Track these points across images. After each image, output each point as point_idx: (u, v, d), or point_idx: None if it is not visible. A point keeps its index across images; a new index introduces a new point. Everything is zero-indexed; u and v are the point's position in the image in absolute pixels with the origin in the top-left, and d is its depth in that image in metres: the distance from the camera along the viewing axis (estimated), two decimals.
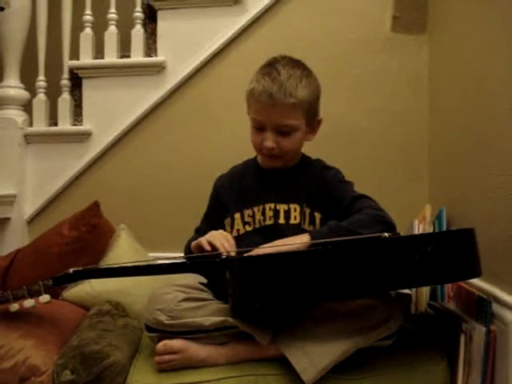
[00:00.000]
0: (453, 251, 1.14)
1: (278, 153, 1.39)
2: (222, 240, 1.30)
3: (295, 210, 1.40)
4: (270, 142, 1.37)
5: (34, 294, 1.34)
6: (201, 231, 1.49)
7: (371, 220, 1.26)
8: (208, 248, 1.29)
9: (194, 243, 1.37)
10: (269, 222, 1.41)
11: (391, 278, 1.12)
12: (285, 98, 1.33)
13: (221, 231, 1.36)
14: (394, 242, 1.17)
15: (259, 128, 1.39)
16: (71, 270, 1.34)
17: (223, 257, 1.26)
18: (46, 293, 1.34)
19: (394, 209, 1.36)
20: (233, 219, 1.46)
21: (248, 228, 1.44)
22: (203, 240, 1.32)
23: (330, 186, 1.41)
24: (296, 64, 1.41)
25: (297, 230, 1.36)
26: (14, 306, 1.34)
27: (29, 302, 1.34)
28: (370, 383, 1.23)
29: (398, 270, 1.11)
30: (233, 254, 1.28)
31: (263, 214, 1.42)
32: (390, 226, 1.27)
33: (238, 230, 1.44)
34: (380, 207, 1.33)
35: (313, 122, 1.44)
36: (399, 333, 1.28)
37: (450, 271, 1.14)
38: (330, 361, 1.18)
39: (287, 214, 1.40)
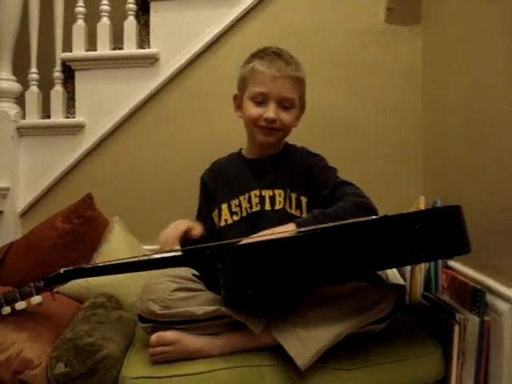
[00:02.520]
0: (441, 228, 1.14)
1: (278, 126, 1.42)
2: (166, 233, 1.33)
3: (280, 196, 1.42)
4: (273, 112, 1.39)
5: (26, 296, 1.34)
6: None
7: (354, 207, 1.28)
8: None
9: None
10: (255, 208, 1.43)
11: (381, 258, 1.12)
12: (292, 71, 1.40)
13: (176, 222, 1.36)
14: (381, 221, 1.16)
15: (260, 101, 1.42)
16: (62, 270, 1.33)
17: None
18: (37, 294, 1.34)
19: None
20: (220, 210, 1.47)
21: (235, 218, 1.45)
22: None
23: (314, 171, 1.43)
24: None
25: (282, 214, 1.39)
26: (6, 309, 1.34)
27: (20, 305, 1.34)
28: (365, 374, 1.23)
29: (387, 250, 1.11)
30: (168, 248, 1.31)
31: (249, 201, 1.44)
32: (372, 211, 1.28)
33: (225, 220, 1.46)
34: (362, 193, 1.34)
35: (302, 107, 1.50)
36: (392, 316, 1.28)
37: (438, 248, 1.15)
38: (324, 344, 1.19)
39: (272, 199, 1.42)
